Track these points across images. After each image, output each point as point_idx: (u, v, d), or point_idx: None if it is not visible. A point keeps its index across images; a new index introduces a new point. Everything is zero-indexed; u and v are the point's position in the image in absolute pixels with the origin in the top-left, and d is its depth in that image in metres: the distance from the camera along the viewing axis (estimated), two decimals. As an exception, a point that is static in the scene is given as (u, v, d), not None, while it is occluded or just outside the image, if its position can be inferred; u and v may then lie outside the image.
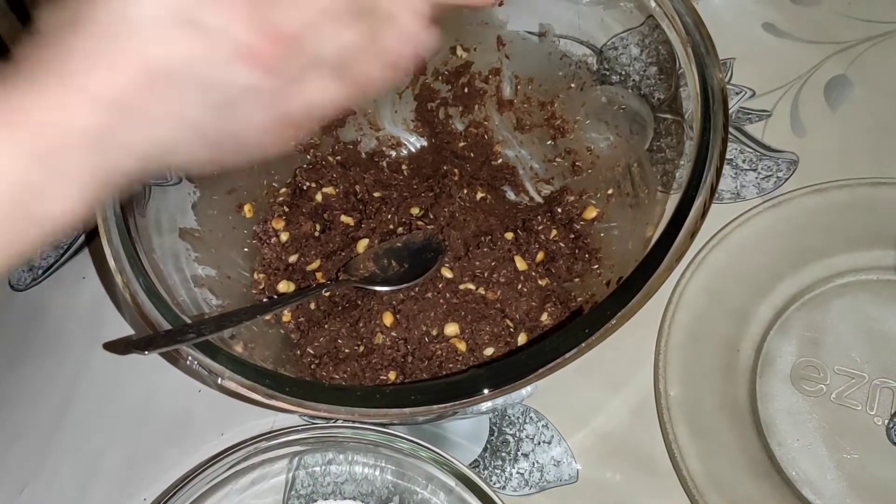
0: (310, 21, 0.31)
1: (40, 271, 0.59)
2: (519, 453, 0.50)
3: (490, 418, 0.51)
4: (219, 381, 0.39)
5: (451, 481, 0.44)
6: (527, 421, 0.51)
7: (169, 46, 0.28)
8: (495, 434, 0.50)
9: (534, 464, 0.49)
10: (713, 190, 0.41)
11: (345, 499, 0.47)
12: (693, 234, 0.38)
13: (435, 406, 0.35)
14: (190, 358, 0.39)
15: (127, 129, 0.29)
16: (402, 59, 0.34)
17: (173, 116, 0.30)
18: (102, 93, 0.28)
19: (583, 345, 0.36)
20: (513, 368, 0.36)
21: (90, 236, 0.60)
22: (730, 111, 0.60)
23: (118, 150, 0.29)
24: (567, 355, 0.36)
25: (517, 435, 0.50)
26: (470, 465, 0.49)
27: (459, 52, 0.57)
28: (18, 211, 0.27)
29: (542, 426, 0.50)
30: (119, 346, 0.37)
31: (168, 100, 0.29)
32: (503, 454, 0.50)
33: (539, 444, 0.50)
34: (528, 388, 0.47)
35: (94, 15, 0.28)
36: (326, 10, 0.31)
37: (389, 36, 0.33)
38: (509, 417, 0.51)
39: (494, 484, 0.49)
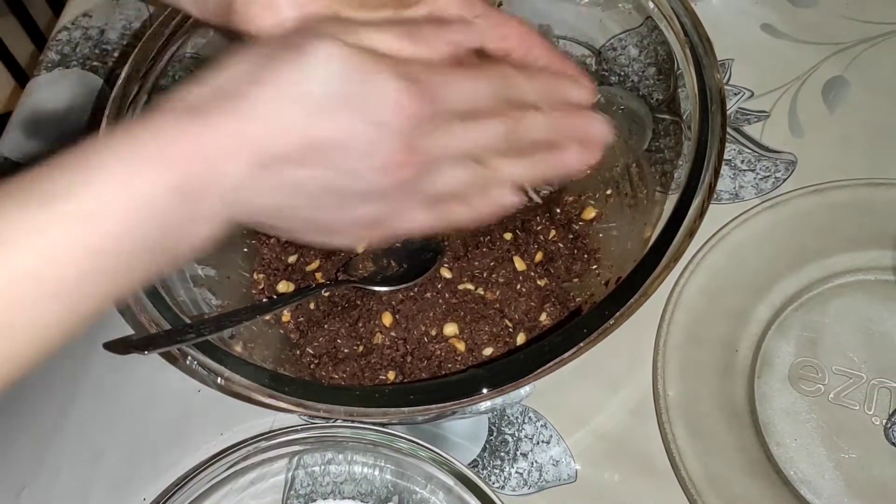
0: (454, 150, 0.33)
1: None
2: (518, 453, 0.50)
3: (489, 418, 0.51)
4: (218, 380, 0.39)
5: (450, 481, 0.44)
6: (526, 421, 0.51)
7: (333, 125, 0.29)
8: (494, 434, 0.50)
9: (532, 463, 0.49)
10: (711, 190, 0.41)
11: (344, 498, 0.47)
12: (691, 235, 0.38)
13: (434, 406, 0.35)
14: (189, 358, 0.39)
15: (261, 191, 0.30)
16: (497, 211, 0.36)
17: (304, 189, 0.31)
18: (258, 149, 0.29)
19: (581, 345, 0.36)
20: (511, 368, 0.36)
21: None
22: (728, 112, 0.60)
23: (243, 206, 0.30)
24: (565, 355, 0.36)
25: (516, 435, 0.50)
26: (469, 464, 0.49)
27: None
28: (165, 239, 0.29)
29: (541, 426, 0.50)
30: (119, 346, 0.37)
31: (310, 173, 0.30)
32: (502, 454, 0.50)
33: (538, 443, 0.50)
34: (527, 387, 0.47)
35: (295, 76, 0.29)
36: (476, 145, 0.33)
37: (497, 188, 0.35)
38: (508, 417, 0.51)
39: (493, 484, 0.49)
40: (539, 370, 0.36)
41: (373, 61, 0.30)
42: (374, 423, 0.45)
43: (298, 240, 0.35)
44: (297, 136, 0.29)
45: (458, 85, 0.32)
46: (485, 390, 0.35)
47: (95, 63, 0.68)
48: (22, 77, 1.09)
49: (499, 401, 0.46)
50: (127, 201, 0.27)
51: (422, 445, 0.44)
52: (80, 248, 0.27)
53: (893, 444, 0.47)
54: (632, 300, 0.37)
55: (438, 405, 0.35)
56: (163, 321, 0.40)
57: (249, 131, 0.29)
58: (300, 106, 0.29)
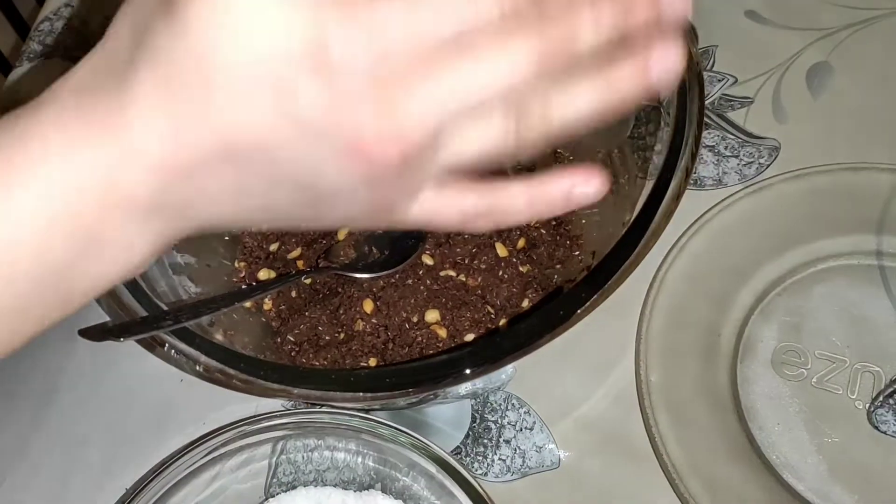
0: (461, 109, 0.22)
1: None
2: (501, 440, 0.50)
3: (472, 405, 0.51)
4: (196, 367, 0.38)
5: (431, 467, 0.44)
6: (509, 408, 0.51)
7: (256, 121, 0.22)
8: (477, 421, 0.50)
9: (516, 450, 0.49)
10: (688, 173, 0.41)
11: (326, 486, 0.47)
12: (668, 217, 0.38)
13: (410, 389, 0.35)
14: (167, 345, 0.39)
15: (190, 203, 0.24)
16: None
17: (247, 195, 0.24)
18: (163, 162, 0.23)
19: (559, 326, 0.36)
20: (489, 349, 0.35)
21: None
22: (712, 98, 0.60)
23: (178, 220, 0.25)
24: (543, 338, 0.36)
25: (499, 422, 0.50)
26: (452, 452, 0.49)
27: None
28: (64, 274, 0.25)
29: (524, 413, 0.50)
30: (94, 333, 0.37)
31: (243, 179, 0.23)
32: (485, 441, 0.50)
33: (521, 430, 0.50)
34: (508, 371, 0.47)
35: (175, 51, 0.22)
36: (502, 84, 0.22)
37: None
38: (491, 404, 0.51)
39: (476, 470, 0.49)
40: (517, 352, 0.36)
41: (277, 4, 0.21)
42: (356, 409, 0.45)
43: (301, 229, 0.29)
44: (210, 142, 0.22)
45: None
46: (462, 372, 0.35)
47: (77, 53, 0.68)
48: (6, 68, 1.09)
49: (479, 385, 0.46)
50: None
51: (403, 432, 0.44)
52: None
53: (876, 427, 0.47)
54: (609, 281, 0.36)
55: (415, 388, 0.35)
56: (140, 308, 0.40)
57: (135, 140, 0.22)
58: (213, 95, 0.22)
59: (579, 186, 0.26)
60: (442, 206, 0.26)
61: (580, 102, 0.24)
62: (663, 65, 0.24)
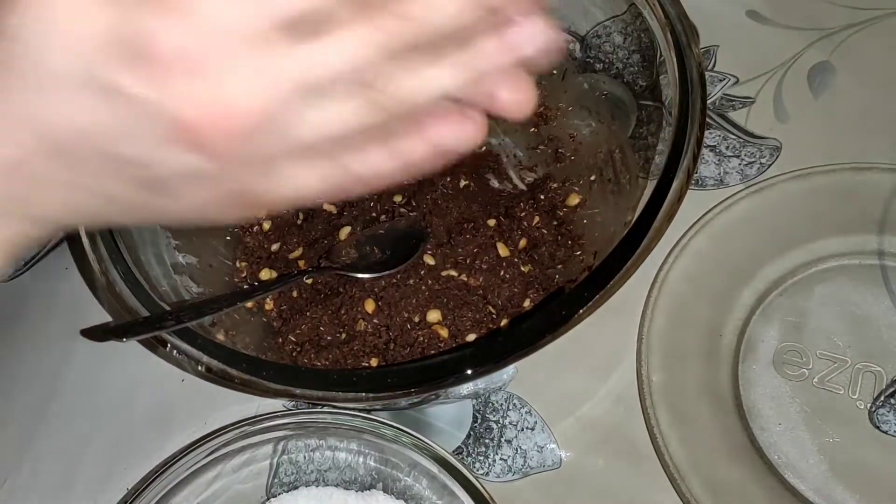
0: (296, 88, 0.22)
1: (22, 262, 0.58)
2: (502, 440, 0.50)
3: (473, 405, 0.51)
4: (198, 367, 0.38)
5: (433, 467, 0.44)
6: (510, 408, 0.51)
7: (76, 116, 0.22)
8: (479, 421, 0.50)
9: (517, 450, 0.49)
10: (690, 174, 0.41)
11: (328, 486, 0.47)
12: (670, 218, 0.38)
13: (412, 389, 0.35)
14: (169, 345, 0.39)
15: (29, 200, 0.24)
16: (441, 150, 0.25)
17: (85, 189, 0.24)
18: None
19: (559, 329, 0.36)
20: (491, 350, 0.35)
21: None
22: (713, 98, 0.60)
23: (22, 220, 0.25)
24: (543, 340, 0.36)
25: (501, 422, 0.50)
26: (453, 452, 0.49)
27: (442, 39, 0.56)
28: None
29: (526, 412, 0.50)
30: (97, 333, 0.37)
31: (76, 173, 0.23)
32: (486, 441, 0.50)
33: (522, 430, 0.50)
34: (509, 371, 0.47)
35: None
36: (342, 64, 0.22)
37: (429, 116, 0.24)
38: (493, 404, 0.51)
39: (478, 470, 0.49)
40: (519, 352, 0.36)
41: None
42: (357, 409, 0.45)
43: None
44: (33, 137, 0.23)
45: None
46: (467, 371, 0.35)
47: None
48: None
49: (481, 385, 0.46)
50: None
51: (405, 431, 0.44)
52: None
53: (878, 427, 0.47)
54: (611, 282, 0.36)
55: (416, 388, 0.35)
56: (142, 309, 0.40)
57: None
58: (32, 94, 0.22)
59: (447, 136, 0.25)
60: (315, 177, 0.25)
61: (443, 80, 0.24)
62: (527, 37, 0.24)
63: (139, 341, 0.38)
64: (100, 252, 0.41)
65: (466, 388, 0.44)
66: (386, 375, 0.35)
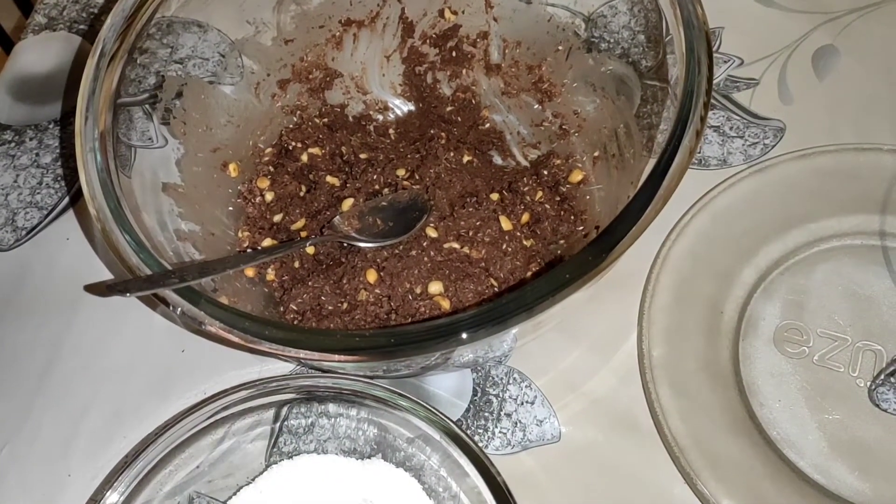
0: None
1: (24, 232, 0.58)
2: (502, 413, 0.50)
3: (474, 379, 0.51)
4: (201, 326, 0.38)
5: (435, 434, 0.44)
6: (510, 382, 0.51)
7: None
8: (479, 394, 0.50)
9: (516, 423, 0.49)
10: (692, 152, 0.40)
11: (328, 454, 0.47)
12: (670, 192, 0.38)
13: (412, 346, 0.35)
14: (172, 305, 0.39)
15: None
16: None
17: None
18: None
19: (558, 292, 0.36)
20: (490, 312, 0.35)
21: (75, 197, 0.59)
22: (718, 79, 0.60)
23: None
24: (542, 304, 0.36)
25: (500, 395, 0.50)
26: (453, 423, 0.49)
27: (448, 14, 0.56)
28: None
29: (526, 387, 0.50)
30: (101, 289, 0.37)
31: None
32: (486, 414, 0.50)
33: (522, 404, 0.50)
34: (508, 342, 0.47)
35: None
36: None
37: None
38: (493, 378, 0.51)
39: (478, 443, 0.49)
40: (520, 313, 0.35)
41: None
42: (359, 375, 0.45)
43: None
44: None
45: None
46: (463, 334, 0.35)
47: (82, 26, 0.68)
48: (7, 45, 1.09)
49: (481, 352, 0.46)
50: None
51: (406, 397, 0.44)
52: None
53: (877, 405, 0.47)
54: (609, 253, 0.36)
55: (417, 347, 0.35)
56: (146, 269, 0.40)
57: None
58: None
59: None
60: None
61: None
62: None
63: (143, 299, 0.38)
64: (104, 214, 0.41)
65: (467, 354, 0.44)
66: (389, 335, 0.35)
